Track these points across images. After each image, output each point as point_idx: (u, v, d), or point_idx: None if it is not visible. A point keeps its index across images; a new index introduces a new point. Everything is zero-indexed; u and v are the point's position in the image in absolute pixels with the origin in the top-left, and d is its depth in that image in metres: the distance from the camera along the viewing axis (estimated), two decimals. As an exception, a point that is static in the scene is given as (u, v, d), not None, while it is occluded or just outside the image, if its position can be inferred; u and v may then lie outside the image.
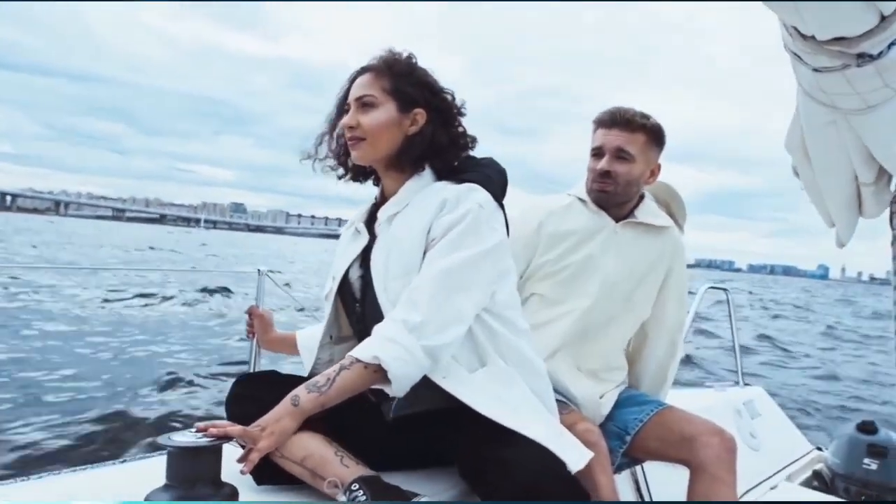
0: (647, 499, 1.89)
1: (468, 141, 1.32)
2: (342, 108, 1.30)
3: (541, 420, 1.18)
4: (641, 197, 1.75)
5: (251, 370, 1.68)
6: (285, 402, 1.07)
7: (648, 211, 1.72)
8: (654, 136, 1.66)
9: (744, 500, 2.23)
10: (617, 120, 1.64)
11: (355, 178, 1.38)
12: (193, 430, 0.99)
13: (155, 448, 1.69)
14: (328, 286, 1.36)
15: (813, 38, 0.68)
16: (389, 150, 1.26)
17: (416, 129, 1.26)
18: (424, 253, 1.19)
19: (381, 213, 1.29)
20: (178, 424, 4.03)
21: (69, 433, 3.85)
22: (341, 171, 1.36)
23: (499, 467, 1.03)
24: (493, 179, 1.27)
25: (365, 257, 1.29)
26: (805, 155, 0.90)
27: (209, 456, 0.97)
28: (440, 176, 1.30)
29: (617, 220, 1.69)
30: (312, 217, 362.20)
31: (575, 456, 1.11)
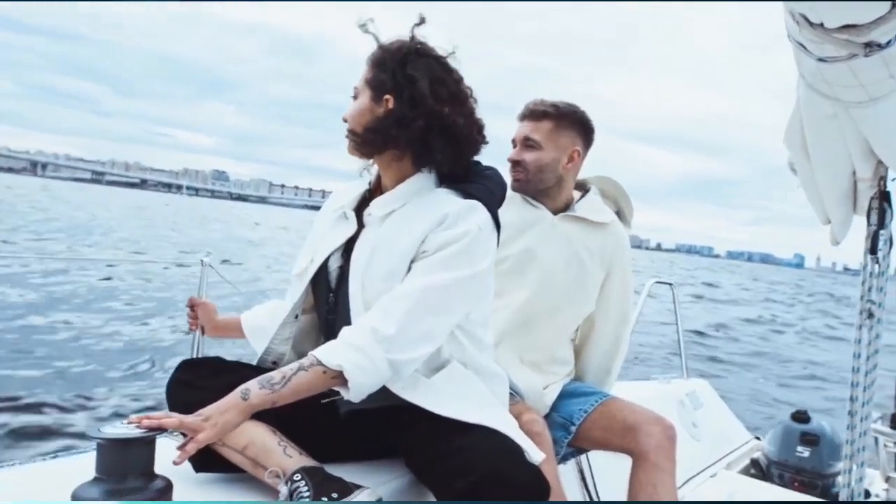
0: (591, 487, 1.95)
1: (462, 127, 1.24)
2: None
3: (498, 413, 1.20)
4: (586, 191, 1.78)
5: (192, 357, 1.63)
6: (234, 395, 1.04)
7: (590, 206, 1.75)
8: (564, 121, 1.68)
9: (684, 487, 2.31)
10: (526, 112, 1.70)
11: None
12: (126, 421, 0.97)
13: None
14: (302, 264, 1.32)
15: (821, 26, 0.68)
16: (364, 136, 1.24)
17: (382, 112, 1.23)
18: (411, 262, 1.17)
19: (375, 206, 1.26)
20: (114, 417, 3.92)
21: None
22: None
23: (460, 455, 1.03)
24: (494, 193, 1.26)
25: (348, 247, 1.26)
26: (804, 150, 0.90)
27: (141, 448, 0.94)
28: (442, 179, 1.27)
29: (555, 213, 1.72)
30: (296, 188, 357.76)
31: (532, 448, 1.14)
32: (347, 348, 1.07)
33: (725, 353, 9.98)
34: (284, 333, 1.33)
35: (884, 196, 0.90)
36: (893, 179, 0.89)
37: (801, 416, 2.80)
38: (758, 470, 2.83)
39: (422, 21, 1.26)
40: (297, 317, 1.34)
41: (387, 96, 1.23)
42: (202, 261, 1.69)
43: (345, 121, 1.26)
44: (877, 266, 0.90)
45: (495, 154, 1.55)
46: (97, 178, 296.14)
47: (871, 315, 0.92)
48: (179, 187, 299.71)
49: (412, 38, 1.26)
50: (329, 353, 1.07)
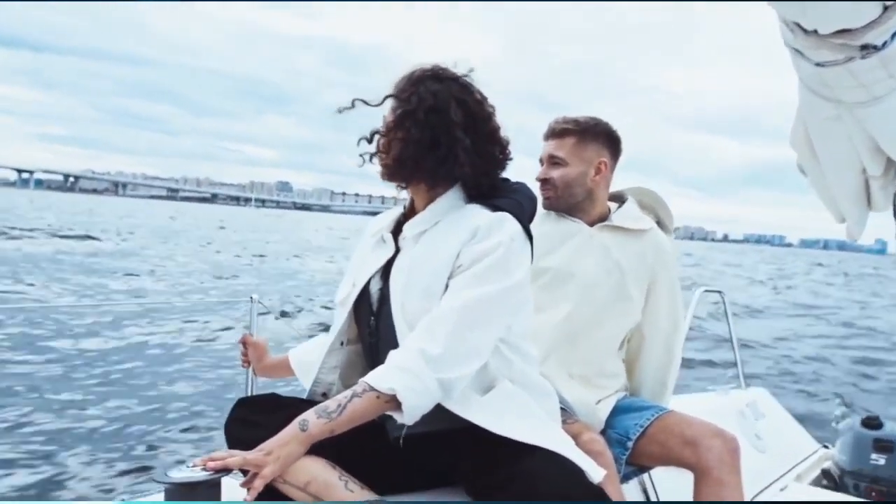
0: None
1: (486, 146, 1.27)
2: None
3: (556, 434, 1.19)
4: (623, 202, 1.78)
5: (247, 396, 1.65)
6: (293, 426, 1.04)
7: (626, 215, 1.74)
8: (587, 135, 1.70)
9: (753, 502, 2.23)
10: (549, 131, 1.73)
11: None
12: (190, 464, 0.97)
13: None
14: (344, 291, 1.34)
15: (815, 32, 0.68)
16: (392, 167, 1.26)
17: (406, 140, 1.25)
18: (448, 278, 1.18)
19: (408, 228, 1.28)
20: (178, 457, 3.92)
21: (61, 470, 3.69)
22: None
23: (523, 479, 1.02)
24: (524, 206, 1.27)
25: (386, 270, 1.27)
26: (811, 151, 0.90)
27: (207, 490, 0.94)
28: (471, 197, 1.29)
29: (591, 224, 1.72)
30: (356, 195, 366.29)
31: (592, 467, 1.12)
32: (397, 371, 1.07)
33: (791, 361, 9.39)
34: (331, 362, 1.34)
35: None
36: None
37: (872, 422, 2.66)
38: (830, 481, 2.70)
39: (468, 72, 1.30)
40: (342, 343, 1.34)
41: (407, 124, 1.25)
42: (252, 297, 1.70)
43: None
44: None
45: None
46: (172, 194, 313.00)
47: None
48: (248, 200, 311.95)
49: (436, 65, 1.28)
50: (380, 378, 1.07)
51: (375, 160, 1.30)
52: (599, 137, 1.71)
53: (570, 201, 1.71)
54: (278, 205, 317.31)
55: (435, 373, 1.07)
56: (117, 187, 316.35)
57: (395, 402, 1.06)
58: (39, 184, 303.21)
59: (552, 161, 1.71)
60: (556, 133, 1.71)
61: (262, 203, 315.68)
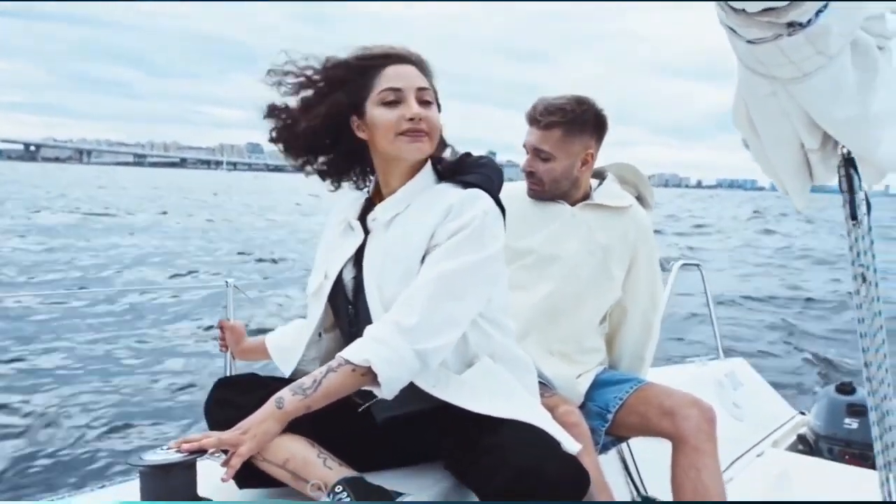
0: (635, 476, 1.93)
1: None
2: (350, 88, 1.24)
3: (532, 407, 1.21)
4: (603, 179, 1.77)
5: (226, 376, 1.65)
6: (269, 405, 1.06)
7: (607, 192, 1.73)
8: (574, 127, 1.64)
9: (731, 469, 2.27)
10: (534, 117, 1.66)
11: (327, 174, 1.34)
12: (166, 447, 0.98)
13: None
14: (316, 282, 1.33)
15: (744, 11, 0.71)
16: (435, 143, 1.26)
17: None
18: (423, 258, 1.18)
19: (380, 212, 1.26)
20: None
21: (41, 460, 3.68)
22: (301, 156, 1.32)
23: (494, 452, 1.03)
24: (493, 180, 1.26)
25: (358, 257, 1.27)
26: (752, 128, 0.92)
27: (182, 472, 0.96)
28: (441, 176, 1.28)
29: (573, 203, 1.71)
30: None
31: (567, 439, 1.14)
32: (373, 343, 1.08)
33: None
34: (310, 353, 1.35)
35: (849, 162, 0.92)
36: (844, 148, 0.92)
37: (846, 388, 2.71)
38: (805, 446, 2.76)
39: None
40: (320, 335, 1.35)
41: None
42: (227, 282, 1.70)
43: (421, 119, 1.21)
44: (859, 230, 0.93)
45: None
46: (139, 160, 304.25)
47: (864, 279, 0.94)
48: (219, 163, 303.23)
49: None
50: (355, 351, 1.08)
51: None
52: (587, 127, 1.66)
53: (556, 192, 1.71)
54: (250, 167, 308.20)
55: (411, 344, 1.07)
56: (81, 154, 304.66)
57: (371, 375, 1.06)
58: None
59: (537, 153, 1.67)
60: (540, 123, 1.65)
61: (234, 166, 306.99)
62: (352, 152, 1.31)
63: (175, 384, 5.15)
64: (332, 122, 1.26)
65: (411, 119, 1.20)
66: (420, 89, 1.22)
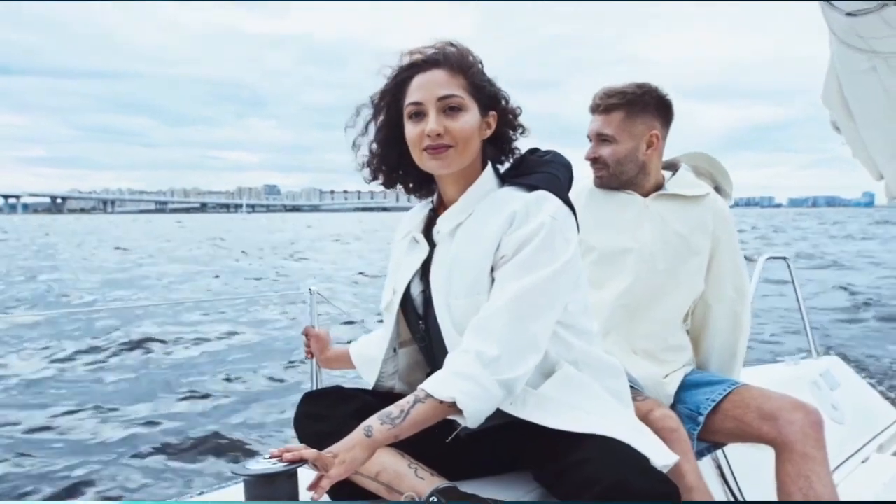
0: (732, 484, 1.80)
1: (523, 131, 1.29)
2: (391, 108, 1.23)
3: (618, 418, 1.15)
4: (677, 169, 1.72)
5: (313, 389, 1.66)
6: (358, 432, 1.02)
7: (682, 181, 1.68)
8: (635, 107, 1.61)
9: (834, 475, 2.00)
10: (596, 105, 1.65)
11: (410, 190, 1.33)
12: (266, 456, 0.99)
13: (230, 478, 1.65)
14: (387, 298, 1.32)
15: None
16: (473, 158, 1.21)
17: (490, 133, 1.22)
18: (492, 271, 1.14)
19: (442, 223, 1.23)
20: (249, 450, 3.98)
21: (141, 467, 3.79)
22: (382, 178, 1.30)
23: (580, 469, 1.01)
24: (560, 178, 1.21)
25: (425, 270, 1.24)
26: (845, 108, 0.87)
27: (285, 481, 0.97)
28: (503, 179, 1.24)
29: (646, 195, 1.66)
30: (345, 192, 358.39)
31: (657, 451, 1.09)
32: (456, 378, 1.04)
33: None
34: (388, 369, 1.36)
35: None
36: None
37: None
38: None
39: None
40: (395, 350, 1.35)
41: (492, 113, 1.22)
42: (310, 290, 1.71)
43: (439, 135, 1.15)
44: None
45: (541, 130, 1.47)
46: (161, 207, 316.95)
47: None
48: (238, 206, 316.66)
49: (454, 44, 1.22)
50: (439, 386, 1.04)
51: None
52: (649, 108, 1.63)
53: (623, 178, 1.65)
54: (268, 208, 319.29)
55: (494, 375, 1.04)
56: (105, 205, 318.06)
57: (457, 408, 1.04)
58: (26, 208, 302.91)
59: (601, 138, 1.63)
60: (601, 108, 1.63)
61: (252, 208, 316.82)
62: (416, 166, 1.26)
63: (264, 393, 5.29)
64: (390, 142, 1.25)
65: (435, 135, 1.16)
66: (441, 98, 1.16)
